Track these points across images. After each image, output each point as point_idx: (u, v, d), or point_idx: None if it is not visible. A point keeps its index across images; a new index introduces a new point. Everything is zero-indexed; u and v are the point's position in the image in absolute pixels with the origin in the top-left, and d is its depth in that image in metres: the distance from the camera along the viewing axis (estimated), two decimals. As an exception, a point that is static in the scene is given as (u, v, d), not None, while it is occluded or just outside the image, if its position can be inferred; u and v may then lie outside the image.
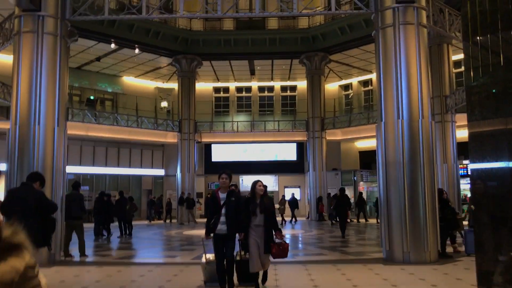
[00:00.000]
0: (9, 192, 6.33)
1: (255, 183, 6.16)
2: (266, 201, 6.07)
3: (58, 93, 8.99)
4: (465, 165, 23.56)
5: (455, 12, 10.89)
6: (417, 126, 8.61)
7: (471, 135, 4.54)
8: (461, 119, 20.79)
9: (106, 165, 27.03)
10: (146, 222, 25.22)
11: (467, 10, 4.51)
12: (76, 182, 11.45)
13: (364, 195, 25.27)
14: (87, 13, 9.47)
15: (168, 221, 24.86)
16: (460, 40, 11.09)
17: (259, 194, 6.07)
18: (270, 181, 28.43)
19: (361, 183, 27.04)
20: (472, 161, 4.46)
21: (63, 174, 9.15)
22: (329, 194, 24.66)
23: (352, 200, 24.06)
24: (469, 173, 21.85)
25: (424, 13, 9.04)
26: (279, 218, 19.11)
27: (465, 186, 20.87)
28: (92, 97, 27.94)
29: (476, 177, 4.44)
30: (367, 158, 26.85)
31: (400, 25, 8.84)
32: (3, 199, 6.21)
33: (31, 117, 8.65)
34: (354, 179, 26.98)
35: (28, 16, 8.83)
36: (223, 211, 5.77)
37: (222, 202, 5.80)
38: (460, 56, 24.63)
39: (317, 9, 25.73)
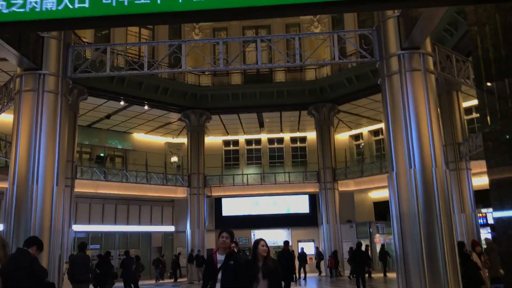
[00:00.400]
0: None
1: (256, 243, 5.26)
2: (270, 264, 5.12)
3: (58, 151, 8.80)
4: (484, 214, 22.73)
5: (463, 58, 10.69)
6: (431, 175, 8.17)
7: (491, 182, 4.13)
8: (476, 166, 20.21)
9: (115, 222, 26.61)
10: (153, 282, 24.40)
11: (478, 55, 4.20)
12: (83, 243, 11.04)
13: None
14: (88, 70, 9.43)
15: (174, 279, 24.11)
16: (470, 86, 10.83)
17: (262, 255, 5.14)
18: (282, 235, 27.63)
19: (377, 235, 26.13)
20: (495, 210, 4.04)
21: (62, 234, 8.82)
22: (350, 248, 23.72)
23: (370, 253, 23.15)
24: (490, 222, 20.87)
25: (430, 59, 8.83)
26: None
27: (486, 236, 19.97)
28: (102, 154, 27.95)
29: (502, 232, 3.98)
30: (382, 209, 26.05)
31: (406, 72, 8.61)
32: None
33: (29, 176, 8.42)
34: (369, 231, 26.11)
35: (29, 75, 8.81)
36: (219, 276, 5.01)
37: (219, 266, 5.05)
38: (471, 102, 24.39)
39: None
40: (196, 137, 25.71)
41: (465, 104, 22.06)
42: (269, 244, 5.35)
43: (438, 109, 8.82)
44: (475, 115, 24.83)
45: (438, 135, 8.61)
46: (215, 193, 27.23)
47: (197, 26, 26.88)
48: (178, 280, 24.14)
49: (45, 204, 8.48)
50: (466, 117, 21.97)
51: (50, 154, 8.65)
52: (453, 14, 17.64)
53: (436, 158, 8.31)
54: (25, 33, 8.23)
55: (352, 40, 9.96)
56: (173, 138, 30.57)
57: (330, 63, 9.68)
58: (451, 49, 11.07)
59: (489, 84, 4.28)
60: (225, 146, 30.95)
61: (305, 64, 9.80)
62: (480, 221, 21.22)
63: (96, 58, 9.53)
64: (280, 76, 26.10)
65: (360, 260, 15.59)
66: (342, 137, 30.39)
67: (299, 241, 28.10)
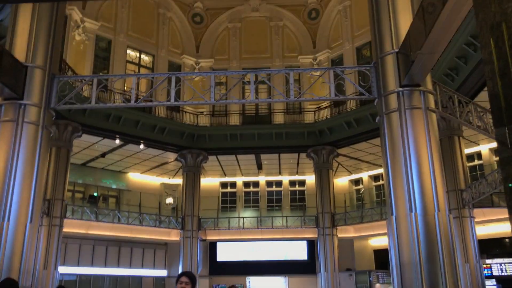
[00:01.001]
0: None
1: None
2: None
3: (34, 186, 8.23)
4: (489, 265, 21.81)
5: (466, 99, 10.26)
6: (433, 220, 7.55)
7: None
8: (480, 214, 19.51)
9: (105, 265, 25.60)
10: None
11: (498, 92, 3.68)
12: (60, 287, 10.29)
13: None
14: (73, 102, 9.00)
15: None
16: (473, 128, 10.35)
17: None
18: (280, 283, 26.50)
19: (378, 285, 25.00)
20: None
21: (47, 276, 8.14)
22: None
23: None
24: (495, 273, 19.91)
25: (431, 97, 8.40)
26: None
27: (492, 289, 18.99)
28: (95, 194, 27.26)
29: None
30: (383, 258, 25.06)
31: (406, 110, 8.16)
32: None
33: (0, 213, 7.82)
34: (369, 280, 25.00)
35: (9, 105, 8.39)
36: None
37: None
38: (473, 149, 23.96)
39: (322, 104, 25.75)
40: (192, 178, 25.10)
41: (467, 151, 21.61)
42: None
43: (440, 150, 8.29)
44: (477, 162, 24.35)
45: (441, 177, 8.05)
46: (210, 236, 26.34)
47: (197, 67, 26.85)
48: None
49: (15, 243, 7.83)
50: (468, 164, 21.46)
51: (25, 189, 8.09)
52: (454, 58, 17.48)
53: (439, 202, 7.71)
54: (6, 62, 7.88)
55: (351, 79, 9.55)
56: (169, 178, 29.95)
57: (326, 99, 9.25)
58: (455, 90, 10.72)
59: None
60: (222, 188, 30.29)
61: (300, 100, 9.36)
62: (485, 272, 20.29)
63: (81, 89, 9.13)
64: (279, 118, 25.81)
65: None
66: (341, 181, 29.77)
67: (296, 289, 26.94)
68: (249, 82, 10.84)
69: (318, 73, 10.90)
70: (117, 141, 23.17)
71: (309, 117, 25.55)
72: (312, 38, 27.02)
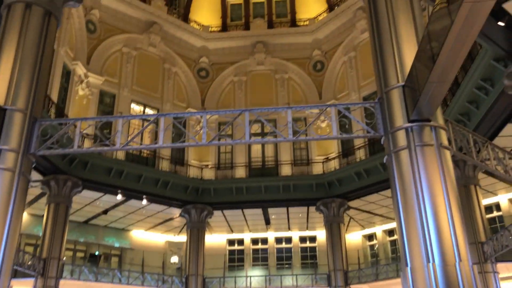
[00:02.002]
0: None
1: None
2: None
3: (5, 239, 7.42)
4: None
5: (482, 139, 9.43)
6: (454, 271, 6.51)
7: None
8: (504, 269, 18.08)
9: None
10: None
11: None
12: None
13: None
14: (54, 147, 8.35)
15: None
16: (492, 170, 9.44)
17: None
18: None
19: None
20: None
21: None
22: None
23: None
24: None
25: (444, 134, 7.60)
26: None
27: None
28: (97, 253, 26.17)
29: None
30: (401, 318, 23.23)
31: (416, 147, 7.35)
32: None
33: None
34: None
35: (-16, 150, 7.76)
36: None
37: None
38: (490, 200, 22.74)
39: (330, 154, 24.99)
40: (197, 234, 23.98)
41: (484, 202, 20.45)
42: None
43: (457, 191, 7.38)
44: (496, 213, 23.06)
45: (460, 221, 7.08)
46: (216, 297, 24.83)
47: (202, 121, 26.41)
48: None
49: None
50: (486, 216, 20.25)
51: (-5, 242, 7.28)
52: (465, 103, 16.79)
53: (460, 250, 6.71)
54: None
55: (357, 118, 8.84)
56: (174, 236, 28.85)
57: (328, 138, 8.56)
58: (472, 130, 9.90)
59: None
60: (229, 245, 29.01)
61: (299, 139, 8.65)
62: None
63: (65, 133, 8.54)
64: (286, 170, 25.01)
65: None
66: (354, 236, 28.41)
67: None
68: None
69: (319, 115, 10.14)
70: (119, 197, 22.41)
71: (317, 169, 24.70)
72: (318, 89, 26.72)
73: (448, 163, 7.42)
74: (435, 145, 7.38)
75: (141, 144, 24.03)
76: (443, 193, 7.10)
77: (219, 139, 26.37)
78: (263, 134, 26.65)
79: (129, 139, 8.59)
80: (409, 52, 7.95)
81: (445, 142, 7.55)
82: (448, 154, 7.53)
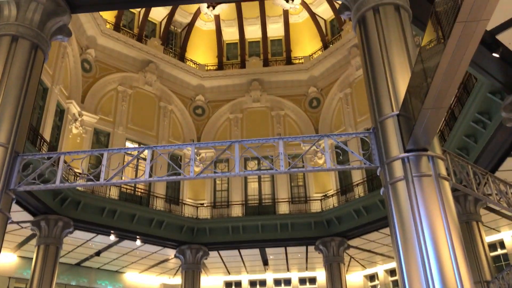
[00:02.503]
0: None
1: None
2: None
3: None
4: None
5: (481, 171, 9.08)
6: (460, 312, 6.03)
7: None
8: (513, 310, 17.31)
9: None
10: None
11: None
12: None
13: None
14: (36, 182, 7.97)
15: None
16: (494, 203, 9.05)
17: None
18: None
19: None
20: None
21: None
22: None
23: None
24: None
25: (442, 164, 7.27)
26: None
27: None
28: (88, 297, 25.26)
29: None
30: None
31: (413, 178, 7.00)
32: None
33: None
34: None
35: (-40, 186, 7.39)
36: None
37: None
38: (494, 237, 22.14)
39: (328, 191, 24.54)
40: (192, 277, 23.16)
41: (488, 239, 19.84)
42: None
43: (458, 225, 6.97)
44: (500, 251, 22.41)
45: (464, 260, 6.63)
46: None
47: (198, 158, 26.16)
48: None
49: None
50: (491, 254, 19.62)
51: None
52: (462, 137, 16.54)
53: (464, 285, 6.24)
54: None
55: (350, 151, 8.53)
56: (169, 278, 27.94)
57: (321, 170, 8.17)
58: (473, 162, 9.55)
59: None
60: (226, 288, 28.07)
61: (291, 171, 8.30)
62: None
63: (47, 168, 8.18)
64: (283, 208, 24.47)
65: None
66: (355, 277, 27.53)
67: None
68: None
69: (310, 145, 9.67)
70: (112, 237, 21.77)
71: (315, 206, 24.19)
72: (314, 125, 26.56)
73: (448, 195, 7.05)
74: (433, 176, 7.03)
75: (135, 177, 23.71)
76: (443, 227, 6.69)
77: (215, 178, 26.06)
78: (259, 171, 26.31)
79: (114, 173, 8.23)
80: (402, 81, 7.74)
81: (444, 172, 7.21)
82: (447, 185, 7.17)
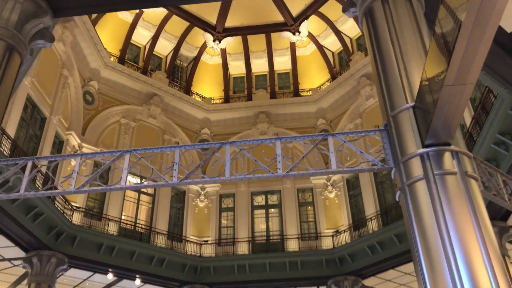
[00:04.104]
0: None
1: None
2: None
3: None
4: None
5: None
6: None
7: None
8: None
9: None
10: None
11: None
12: None
13: None
14: (-2, 191, 6.94)
15: None
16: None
17: None
18: None
19: None
20: None
21: None
22: None
23: None
24: None
25: (468, 161, 6.12)
26: None
27: None
28: None
29: None
30: None
31: (436, 177, 5.84)
32: None
33: None
34: None
35: None
36: None
37: None
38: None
39: (340, 227, 23.09)
40: (194, 321, 21.52)
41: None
42: None
43: (493, 234, 5.75)
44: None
45: (503, 275, 5.38)
46: None
47: (202, 193, 25.06)
48: None
49: None
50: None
51: None
52: (491, 146, 15.20)
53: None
54: None
55: (358, 152, 7.47)
56: (172, 323, 26.16)
57: (324, 173, 6.96)
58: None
59: None
60: (232, 334, 26.13)
61: (290, 174, 7.18)
62: None
63: (13, 175, 7.19)
64: (292, 245, 22.99)
65: None
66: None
67: None
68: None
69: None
70: (110, 276, 20.45)
71: (326, 243, 22.68)
72: (324, 158, 25.29)
73: (478, 197, 5.85)
74: (458, 174, 5.87)
75: (136, 214, 22.55)
76: (476, 236, 5.45)
77: (220, 211, 24.89)
78: (267, 206, 25.09)
79: (85, 180, 7.22)
80: (417, 71, 6.74)
81: (471, 170, 6.06)
82: (476, 186, 5.99)
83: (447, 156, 6.03)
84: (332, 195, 24.31)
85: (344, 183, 24.30)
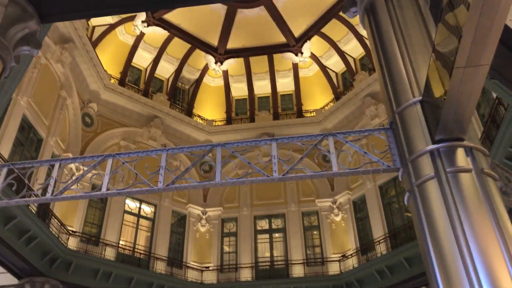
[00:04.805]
0: None
1: None
2: None
3: None
4: None
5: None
6: None
7: None
8: None
9: None
10: None
11: None
12: None
13: None
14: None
15: None
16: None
17: None
18: None
19: None
20: None
21: None
22: None
23: None
24: None
25: (483, 159, 5.47)
26: None
27: None
28: None
29: None
30: None
31: (448, 175, 5.19)
32: None
33: None
34: None
35: None
36: None
37: None
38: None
39: (347, 251, 22.18)
40: None
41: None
42: None
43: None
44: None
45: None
46: None
47: (204, 217, 24.30)
48: None
49: None
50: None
51: None
52: (503, 160, 14.47)
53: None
54: None
55: (361, 160, 6.84)
56: None
57: (326, 174, 6.26)
58: None
59: None
60: None
61: (286, 177, 6.56)
62: None
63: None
64: (297, 271, 22.04)
65: None
66: None
67: None
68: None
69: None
70: (106, 304, 19.56)
71: (333, 268, 21.72)
72: (330, 181, 24.73)
73: (495, 196, 5.19)
74: (474, 171, 5.21)
75: (136, 238, 21.74)
76: (496, 236, 4.78)
77: (222, 236, 24.07)
78: (271, 230, 24.25)
79: (63, 187, 6.63)
80: (423, 63, 6.17)
81: (487, 167, 5.40)
82: (494, 186, 5.33)
83: (460, 152, 5.38)
84: (338, 218, 23.46)
85: (350, 205, 23.49)
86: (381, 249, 20.49)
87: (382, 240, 20.68)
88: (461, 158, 5.33)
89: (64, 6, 8.97)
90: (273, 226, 24.23)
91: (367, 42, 25.90)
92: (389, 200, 22.04)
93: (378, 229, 21.24)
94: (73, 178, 6.92)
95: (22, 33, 8.56)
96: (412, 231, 19.09)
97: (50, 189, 6.54)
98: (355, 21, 25.27)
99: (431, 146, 5.46)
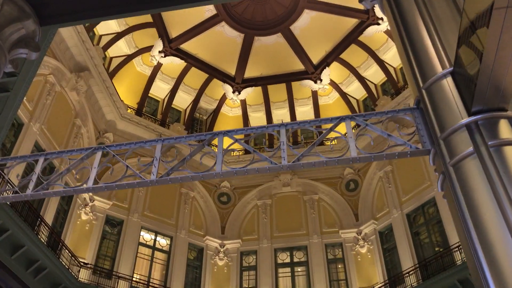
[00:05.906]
0: None
1: None
2: None
3: None
4: None
5: None
6: None
7: None
8: None
9: None
10: None
11: None
12: None
13: None
14: None
15: None
16: None
17: None
18: None
19: None
20: None
21: None
22: None
23: None
24: None
25: (531, 132, 4.55)
26: None
27: None
28: None
29: None
30: None
31: (491, 149, 4.29)
32: None
33: None
34: None
35: None
36: None
37: None
38: None
39: (374, 285, 20.73)
40: None
41: None
42: None
43: None
44: None
45: None
46: None
47: (221, 250, 23.22)
48: None
49: None
50: None
51: None
52: None
53: None
54: None
55: (384, 145, 6.00)
56: None
57: (343, 160, 5.38)
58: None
59: None
60: None
61: (296, 164, 5.72)
62: None
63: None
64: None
65: None
66: None
67: None
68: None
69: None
70: None
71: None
72: (354, 210, 23.51)
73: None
74: (521, 143, 4.32)
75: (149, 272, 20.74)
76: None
77: (241, 270, 22.89)
78: (292, 264, 22.98)
79: (45, 182, 5.94)
80: (451, 32, 5.39)
81: (537, 141, 4.47)
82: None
83: (503, 124, 4.49)
84: (364, 250, 22.09)
85: (376, 236, 22.15)
86: (411, 281, 18.98)
87: (412, 272, 19.19)
88: (505, 130, 4.44)
89: (64, 7, 8.59)
90: (295, 259, 22.97)
91: (388, 67, 25.24)
92: (418, 229, 20.66)
93: (407, 260, 19.79)
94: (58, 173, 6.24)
95: (19, 34, 8.12)
96: (444, 260, 17.67)
97: (31, 185, 5.87)
98: (375, 45, 24.75)
99: (468, 119, 4.59)
